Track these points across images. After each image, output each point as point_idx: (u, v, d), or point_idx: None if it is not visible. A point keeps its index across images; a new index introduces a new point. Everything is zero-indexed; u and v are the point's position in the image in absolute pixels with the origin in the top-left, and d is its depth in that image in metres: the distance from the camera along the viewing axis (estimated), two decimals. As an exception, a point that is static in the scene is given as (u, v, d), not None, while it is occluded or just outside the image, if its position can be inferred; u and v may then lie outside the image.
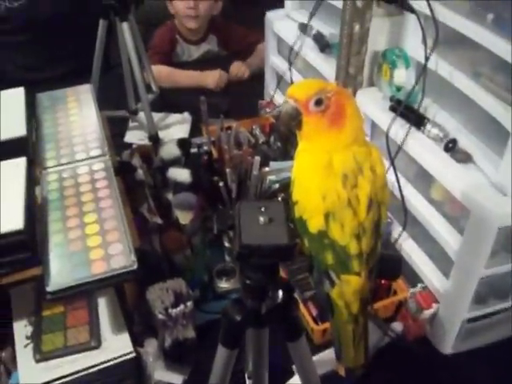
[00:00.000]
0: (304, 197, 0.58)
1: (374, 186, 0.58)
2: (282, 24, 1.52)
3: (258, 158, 1.12)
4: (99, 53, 1.53)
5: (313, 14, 1.35)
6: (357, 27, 1.10)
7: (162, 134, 1.57)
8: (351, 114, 0.58)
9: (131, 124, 1.68)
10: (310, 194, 0.57)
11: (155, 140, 1.51)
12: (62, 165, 1.07)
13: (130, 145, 1.54)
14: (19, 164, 0.99)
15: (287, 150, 1.35)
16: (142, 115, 1.63)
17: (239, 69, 1.91)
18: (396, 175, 1.04)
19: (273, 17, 1.56)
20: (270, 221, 0.54)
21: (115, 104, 1.64)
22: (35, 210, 0.95)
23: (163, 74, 1.88)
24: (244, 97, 1.73)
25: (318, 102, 0.57)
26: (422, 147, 0.99)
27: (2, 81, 1.57)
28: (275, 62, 1.59)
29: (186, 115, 1.72)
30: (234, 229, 0.53)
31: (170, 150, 1.20)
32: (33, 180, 1.01)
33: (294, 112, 0.58)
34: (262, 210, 0.54)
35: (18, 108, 1.15)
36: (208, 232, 1.09)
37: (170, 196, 1.11)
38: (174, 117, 1.72)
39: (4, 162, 0.99)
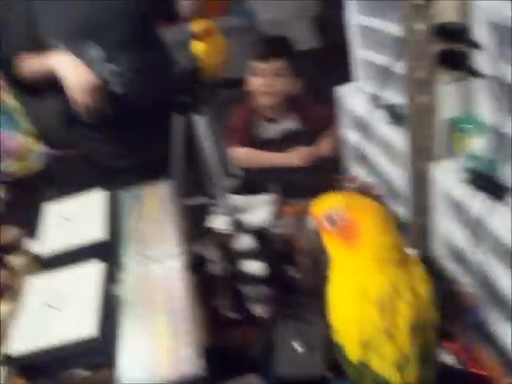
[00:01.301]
0: (340, 324, 0.53)
1: (417, 309, 0.52)
2: (351, 97, 1.50)
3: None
4: (178, 145, 1.59)
5: (382, 85, 1.32)
6: (423, 97, 1.05)
7: (244, 218, 1.57)
8: (368, 231, 0.53)
9: (213, 209, 1.70)
10: (346, 322, 0.53)
11: (237, 225, 1.51)
12: (140, 264, 1.09)
13: (211, 232, 1.56)
14: (96, 268, 1.03)
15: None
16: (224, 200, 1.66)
17: (327, 145, 1.90)
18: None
19: (342, 90, 1.54)
20: (307, 347, 0.50)
21: (199, 190, 1.69)
22: (110, 312, 0.97)
23: (244, 156, 1.91)
24: (325, 173, 1.71)
25: (330, 220, 0.53)
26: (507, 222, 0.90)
27: (89, 167, 1.66)
28: (349, 135, 1.57)
29: (269, 196, 1.71)
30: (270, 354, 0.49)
31: (245, 241, 1.19)
32: (110, 281, 1.03)
33: (314, 230, 0.55)
34: (300, 334, 0.51)
35: (99, 211, 1.20)
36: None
37: (245, 289, 1.09)
38: (257, 199, 1.72)
39: (81, 267, 1.02)
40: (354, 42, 1.47)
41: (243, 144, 1.97)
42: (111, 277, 1.05)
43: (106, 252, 1.09)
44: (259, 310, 1.05)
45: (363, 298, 0.51)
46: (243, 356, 1.01)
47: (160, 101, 1.72)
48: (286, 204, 1.56)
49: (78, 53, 1.61)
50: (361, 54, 1.46)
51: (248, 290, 1.09)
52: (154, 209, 1.27)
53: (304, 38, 3.98)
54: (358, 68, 1.50)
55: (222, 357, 0.96)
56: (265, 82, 1.94)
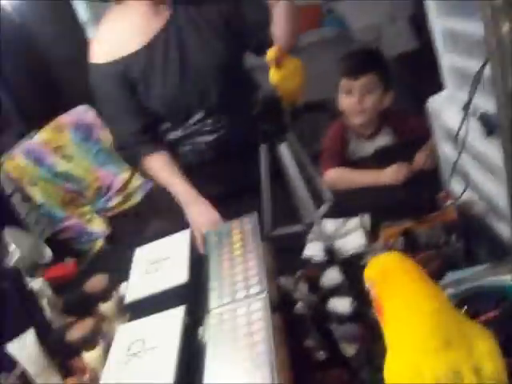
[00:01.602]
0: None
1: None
2: (443, 106, 1.39)
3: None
4: (266, 175, 1.55)
5: (474, 93, 1.20)
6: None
7: (339, 243, 1.51)
8: (392, 311, 0.46)
9: (310, 236, 1.65)
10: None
11: (329, 254, 1.45)
12: (223, 305, 1.06)
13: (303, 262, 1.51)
14: (177, 314, 1.01)
15: (471, 251, 1.18)
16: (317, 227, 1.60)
17: (425, 159, 1.78)
18: None
19: (434, 100, 1.43)
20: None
21: (292, 218, 1.64)
22: (191, 357, 0.95)
23: (338, 177, 1.85)
24: (422, 190, 1.59)
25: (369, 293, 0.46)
26: None
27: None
28: (445, 148, 1.45)
29: (365, 218, 1.63)
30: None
31: (332, 275, 1.13)
32: (192, 325, 1.02)
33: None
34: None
35: (184, 252, 1.19)
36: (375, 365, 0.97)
37: (333, 328, 1.03)
38: (352, 222, 1.65)
39: (161, 314, 1.01)
40: (440, 46, 1.36)
41: (336, 165, 1.91)
42: (194, 320, 1.04)
43: (189, 295, 1.08)
44: (349, 351, 0.98)
45: (418, 380, 0.44)
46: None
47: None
48: (381, 227, 1.48)
49: (183, 119, 1.64)
50: (447, 59, 1.35)
51: (336, 328, 1.03)
52: (239, 245, 1.24)
53: (400, 41, 3.82)
54: (446, 75, 1.39)
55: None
56: (355, 100, 1.87)
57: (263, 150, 1.51)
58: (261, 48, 1.50)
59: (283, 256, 1.60)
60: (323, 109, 2.76)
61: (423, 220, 1.36)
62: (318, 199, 1.59)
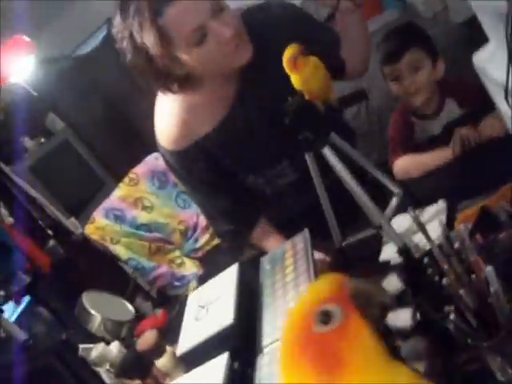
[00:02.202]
0: None
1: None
2: (489, 62, 1.20)
3: (489, 270, 0.82)
4: (319, 185, 1.44)
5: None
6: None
7: (417, 238, 1.35)
8: None
9: (385, 239, 1.50)
10: None
11: (405, 252, 1.30)
12: (278, 341, 0.96)
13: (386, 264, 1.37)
14: (219, 363, 0.93)
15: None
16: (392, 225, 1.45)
17: (493, 126, 1.57)
18: None
19: (480, 58, 1.25)
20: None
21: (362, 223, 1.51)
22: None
23: (409, 164, 1.68)
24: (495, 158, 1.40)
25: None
26: None
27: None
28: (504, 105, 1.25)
29: (441, 203, 1.46)
30: None
31: (390, 283, 0.99)
32: (240, 370, 0.93)
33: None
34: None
35: (230, 291, 1.10)
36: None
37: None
38: (428, 210, 1.48)
39: (204, 366, 0.94)
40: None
41: (406, 153, 1.75)
42: (245, 362, 0.95)
43: (237, 336, 0.99)
44: (419, 369, 0.84)
45: None
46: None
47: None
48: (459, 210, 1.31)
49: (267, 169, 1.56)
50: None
51: (401, 346, 0.88)
52: (291, 269, 1.14)
53: (466, 6, 3.52)
54: (489, 27, 1.21)
55: None
56: (406, 82, 1.71)
57: (309, 159, 1.40)
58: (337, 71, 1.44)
59: (363, 265, 1.48)
60: (363, 97, 2.59)
61: (501, 193, 1.18)
62: (384, 195, 1.45)
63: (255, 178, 1.57)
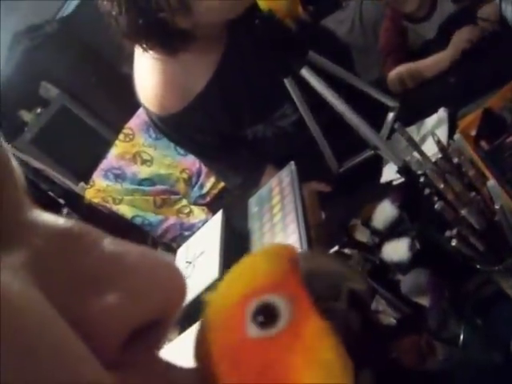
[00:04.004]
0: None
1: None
2: None
3: (492, 183, 0.71)
4: (304, 111, 1.32)
5: None
6: None
7: (416, 155, 1.23)
8: None
9: (384, 160, 1.38)
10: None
11: (406, 172, 1.19)
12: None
13: (387, 186, 1.27)
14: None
15: None
16: (391, 142, 1.34)
17: (490, 15, 1.40)
18: None
19: None
20: None
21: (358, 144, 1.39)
22: None
23: (405, 73, 1.55)
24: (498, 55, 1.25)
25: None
26: None
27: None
28: None
29: (441, 112, 1.33)
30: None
31: (384, 211, 0.88)
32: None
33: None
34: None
35: (215, 244, 1.01)
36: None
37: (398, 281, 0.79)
38: (427, 122, 1.35)
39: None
40: None
41: (400, 61, 1.61)
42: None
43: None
44: (423, 303, 0.75)
45: None
46: (418, 372, 0.73)
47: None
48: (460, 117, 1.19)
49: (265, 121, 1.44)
50: None
51: (401, 281, 0.79)
52: (278, 208, 1.04)
53: None
54: None
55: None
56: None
57: (289, 84, 1.28)
58: None
59: (365, 190, 1.38)
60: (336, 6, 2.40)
61: (503, 93, 1.04)
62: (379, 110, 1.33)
63: (255, 126, 1.46)
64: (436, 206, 0.77)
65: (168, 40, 1.19)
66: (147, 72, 1.34)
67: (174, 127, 1.38)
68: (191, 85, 1.33)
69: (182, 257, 1.08)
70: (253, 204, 1.13)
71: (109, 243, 0.25)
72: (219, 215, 1.07)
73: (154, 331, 0.26)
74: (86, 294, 0.23)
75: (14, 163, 0.25)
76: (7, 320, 0.20)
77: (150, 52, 1.23)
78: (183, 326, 0.95)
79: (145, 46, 1.20)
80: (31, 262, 0.23)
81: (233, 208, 1.24)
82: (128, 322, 0.24)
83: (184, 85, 1.33)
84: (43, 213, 0.25)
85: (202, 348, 0.33)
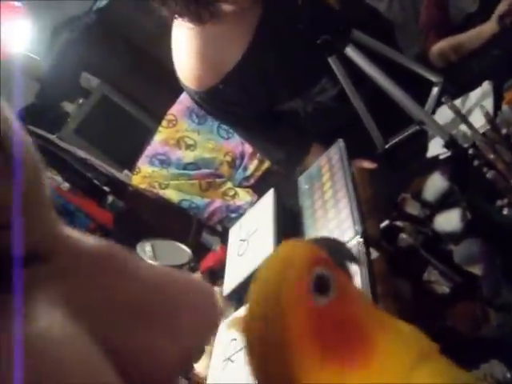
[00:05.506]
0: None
1: None
2: None
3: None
4: (350, 89, 1.33)
5: None
6: None
7: (464, 127, 1.23)
8: None
9: (430, 133, 1.39)
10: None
11: (453, 146, 1.19)
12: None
13: (434, 161, 1.27)
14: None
15: None
16: (437, 116, 1.34)
17: None
18: None
19: None
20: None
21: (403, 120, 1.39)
22: None
23: (446, 49, 1.54)
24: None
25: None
26: None
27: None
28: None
29: (485, 85, 1.32)
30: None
31: (434, 183, 0.90)
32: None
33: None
34: None
35: (268, 221, 1.05)
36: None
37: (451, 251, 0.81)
38: (472, 96, 1.35)
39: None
40: None
41: (442, 36, 1.59)
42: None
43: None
44: (476, 272, 0.76)
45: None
46: (472, 338, 0.75)
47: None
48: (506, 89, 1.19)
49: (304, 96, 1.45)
50: None
51: (453, 251, 0.81)
52: (329, 185, 1.06)
53: None
54: None
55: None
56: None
57: (333, 63, 1.29)
58: None
59: (411, 165, 1.39)
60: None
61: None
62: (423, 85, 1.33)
63: (292, 101, 1.47)
64: (488, 176, 0.78)
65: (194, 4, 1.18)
66: (182, 44, 1.35)
67: (213, 102, 1.39)
68: (226, 57, 1.33)
69: (236, 235, 1.12)
70: (302, 182, 1.15)
71: (147, 269, 0.24)
72: (270, 193, 1.10)
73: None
74: (131, 326, 0.22)
75: (46, 179, 0.23)
76: (49, 360, 0.19)
77: (180, 19, 1.22)
78: (239, 302, 0.99)
79: (173, 9, 1.19)
80: (68, 291, 0.22)
81: (280, 187, 1.27)
82: (175, 366, 0.24)
83: (218, 57, 1.33)
84: (72, 230, 0.24)
85: (273, 323, 0.36)
